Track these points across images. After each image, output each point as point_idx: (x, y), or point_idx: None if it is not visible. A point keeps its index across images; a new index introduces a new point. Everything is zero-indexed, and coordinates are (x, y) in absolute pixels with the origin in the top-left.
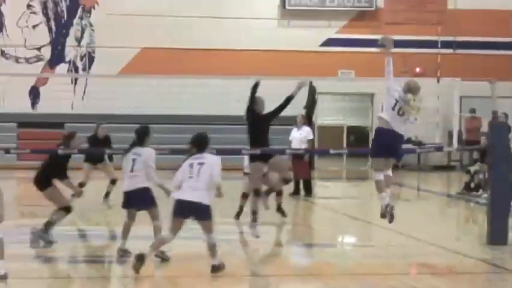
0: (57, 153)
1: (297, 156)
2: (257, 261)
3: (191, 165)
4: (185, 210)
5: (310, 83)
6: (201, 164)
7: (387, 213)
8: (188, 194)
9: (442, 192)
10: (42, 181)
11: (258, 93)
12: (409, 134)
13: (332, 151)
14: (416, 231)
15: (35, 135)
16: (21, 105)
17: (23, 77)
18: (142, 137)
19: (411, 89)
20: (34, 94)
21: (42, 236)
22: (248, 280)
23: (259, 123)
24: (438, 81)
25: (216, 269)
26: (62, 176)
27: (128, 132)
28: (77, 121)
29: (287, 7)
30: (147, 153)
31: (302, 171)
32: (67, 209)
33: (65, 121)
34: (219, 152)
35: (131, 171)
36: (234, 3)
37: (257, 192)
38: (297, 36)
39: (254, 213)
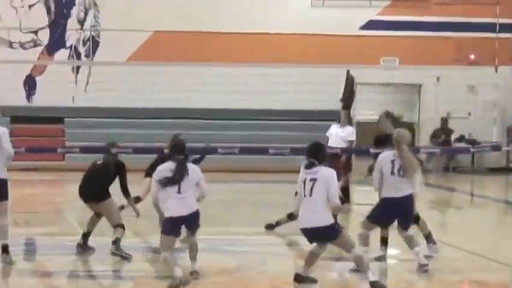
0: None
1: (333, 156)
2: (284, 276)
3: (304, 182)
4: (310, 235)
5: (348, 72)
6: (313, 179)
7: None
8: (305, 220)
9: (499, 198)
10: (102, 191)
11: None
12: (463, 132)
13: (372, 150)
14: (468, 242)
15: (30, 131)
16: (15, 97)
17: (17, 64)
18: (184, 151)
19: (398, 141)
20: (29, 84)
21: (117, 252)
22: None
23: None
24: (496, 70)
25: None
26: (127, 190)
27: (136, 128)
28: (79, 116)
29: None
30: (193, 170)
31: (338, 173)
32: (122, 226)
33: (65, 115)
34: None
35: (179, 192)
36: None
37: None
38: (333, 17)
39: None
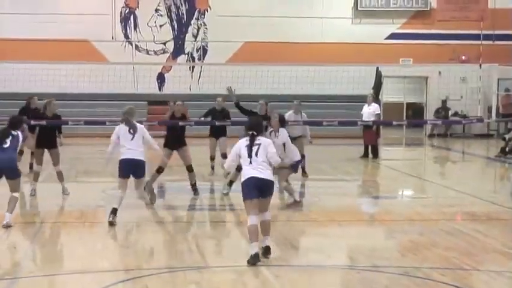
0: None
1: (366, 127)
2: (334, 209)
3: (250, 147)
4: (261, 184)
5: (377, 68)
6: (257, 145)
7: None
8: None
9: (482, 155)
10: None
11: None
12: (457, 109)
13: (394, 122)
14: (461, 186)
15: (160, 110)
16: (151, 87)
17: (152, 65)
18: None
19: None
20: (161, 79)
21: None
22: (326, 224)
23: None
24: (480, 66)
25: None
26: None
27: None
28: (193, 100)
29: (359, 8)
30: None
31: (370, 139)
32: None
33: (184, 100)
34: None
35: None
36: (318, 5)
37: None
38: (367, 31)
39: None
